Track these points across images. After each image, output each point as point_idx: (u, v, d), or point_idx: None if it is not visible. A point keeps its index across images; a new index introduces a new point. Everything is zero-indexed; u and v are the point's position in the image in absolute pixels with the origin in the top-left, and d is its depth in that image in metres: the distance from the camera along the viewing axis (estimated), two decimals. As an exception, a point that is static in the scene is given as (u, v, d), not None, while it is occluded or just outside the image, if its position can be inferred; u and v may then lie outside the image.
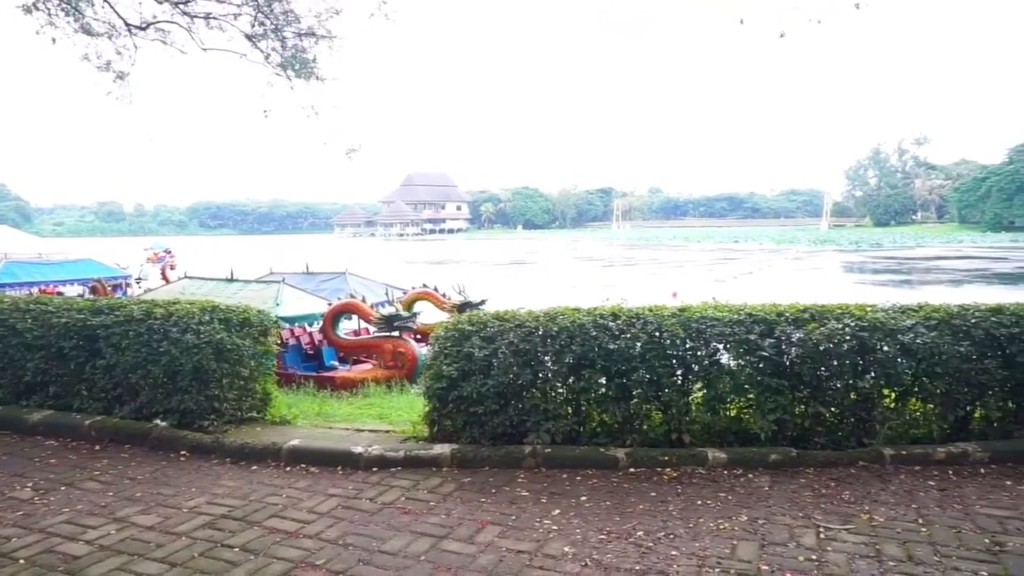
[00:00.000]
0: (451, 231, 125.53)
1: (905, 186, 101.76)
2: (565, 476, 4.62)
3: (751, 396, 4.89)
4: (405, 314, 12.04)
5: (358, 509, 4.15)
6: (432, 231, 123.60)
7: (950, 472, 4.54)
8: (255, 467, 4.97)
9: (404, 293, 14.07)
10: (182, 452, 5.27)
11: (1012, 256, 47.12)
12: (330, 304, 12.23)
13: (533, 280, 35.40)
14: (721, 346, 4.89)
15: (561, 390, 5.07)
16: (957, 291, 27.72)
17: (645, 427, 4.99)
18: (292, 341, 12.63)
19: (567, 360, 4.89)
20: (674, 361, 4.91)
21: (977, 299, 5.37)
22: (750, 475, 4.55)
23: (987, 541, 3.54)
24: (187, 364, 5.42)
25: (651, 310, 5.08)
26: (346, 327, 13.47)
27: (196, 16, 8.08)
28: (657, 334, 4.85)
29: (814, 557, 3.41)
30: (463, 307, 11.69)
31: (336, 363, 12.64)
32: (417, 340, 11.86)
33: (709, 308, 5.09)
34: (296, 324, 12.59)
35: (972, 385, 4.81)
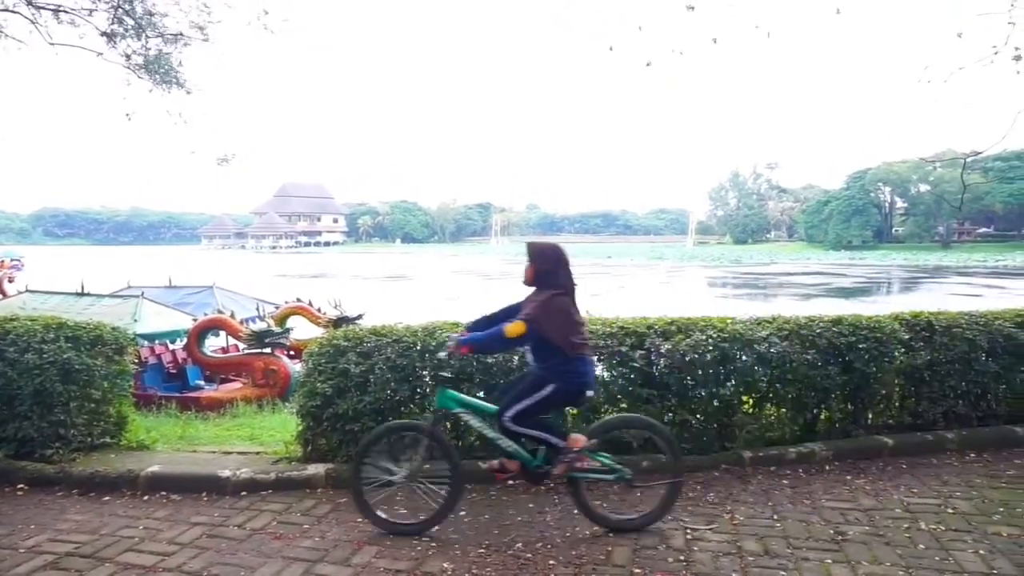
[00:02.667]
0: (327, 244, 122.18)
1: (760, 207, 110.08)
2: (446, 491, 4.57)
3: (624, 406, 5.06)
4: (277, 329, 11.57)
5: (225, 537, 3.91)
6: (307, 244, 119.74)
7: (800, 471, 4.91)
8: (107, 498, 4.57)
9: (276, 308, 13.52)
10: (19, 486, 4.76)
11: (850, 272, 52.07)
12: (195, 320, 11.53)
13: (412, 294, 35.08)
14: (595, 358, 5.03)
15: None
16: (806, 304, 30.23)
17: (523, 439, 5.04)
18: (152, 360, 11.80)
19: (446, 375, 4.86)
20: (551, 373, 5.00)
21: (822, 311, 5.86)
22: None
23: (831, 532, 3.85)
24: (27, 387, 4.92)
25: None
26: (213, 344, 12.75)
27: (43, 7, 7.41)
28: (534, 347, 4.92)
29: (682, 558, 3.57)
30: (339, 322, 11.38)
31: (201, 382, 11.92)
32: (290, 356, 11.42)
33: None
34: (157, 341, 11.77)
35: (818, 390, 5.24)
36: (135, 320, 10.44)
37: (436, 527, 3.97)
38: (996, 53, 5.22)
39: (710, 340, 5.02)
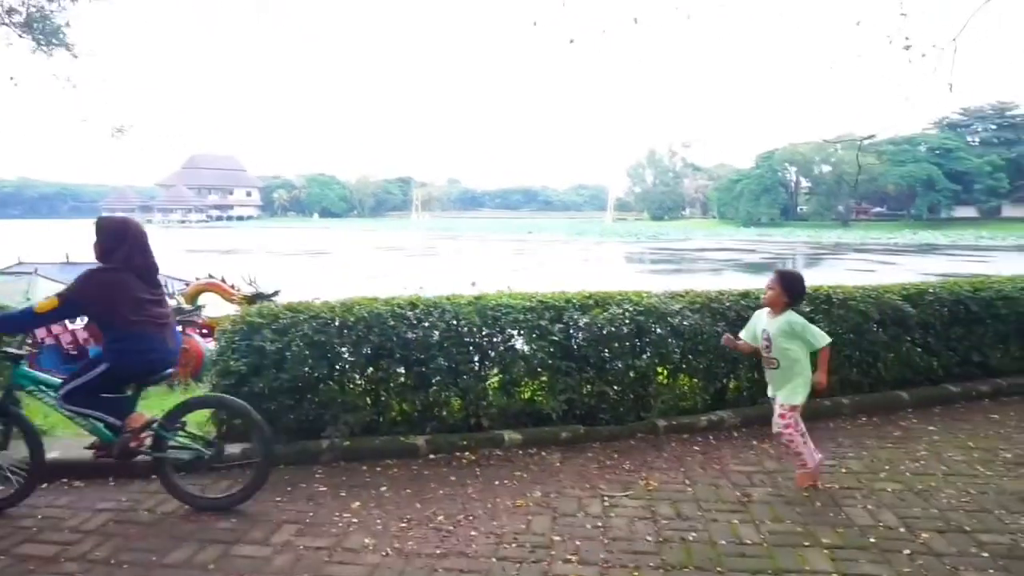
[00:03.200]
0: (240, 218, 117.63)
1: (676, 185, 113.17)
2: (365, 468, 4.56)
3: (544, 379, 5.16)
4: (188, 307, 11.10)
5: (134, 522, 3.77)
6: (219, 218, 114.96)
7: (711, 437, 5.15)
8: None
9: (187, 284, 12.96)
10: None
11: (759, 248, 54.41)
12: (96, 298, 10.90)
13: (331, 270, 34.33)
14: (515, 332, 5.10)
15: (359, 381, 4.99)
16: (718, 278, 31.46)
17: (444, 413, 5.08)
18: (49, 340, 11.10)
19: (365, 351, 4.82)
20: (471, 348, 5.04)
21: (733, 285, 6.13)
22: (543, 453, 4.81)
23: (738, 494, 4.07)
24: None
25: (448, 299, 5.17)
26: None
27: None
28: (455, 322, 4.94)
29: (600, 524, 3.70)
30: (254, 299, 11.01)
31: (105, 363, 11.30)
32: (203, 335, 10.99)
33: (504, 296, 5.29)
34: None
35: (727, 360, 5.49)
36: (28, 299, 9.79)
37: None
38: (891, 43, 5.53)
39: (626, 314, 5.17)
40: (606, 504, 3.96)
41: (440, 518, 3.79)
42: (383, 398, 5.04)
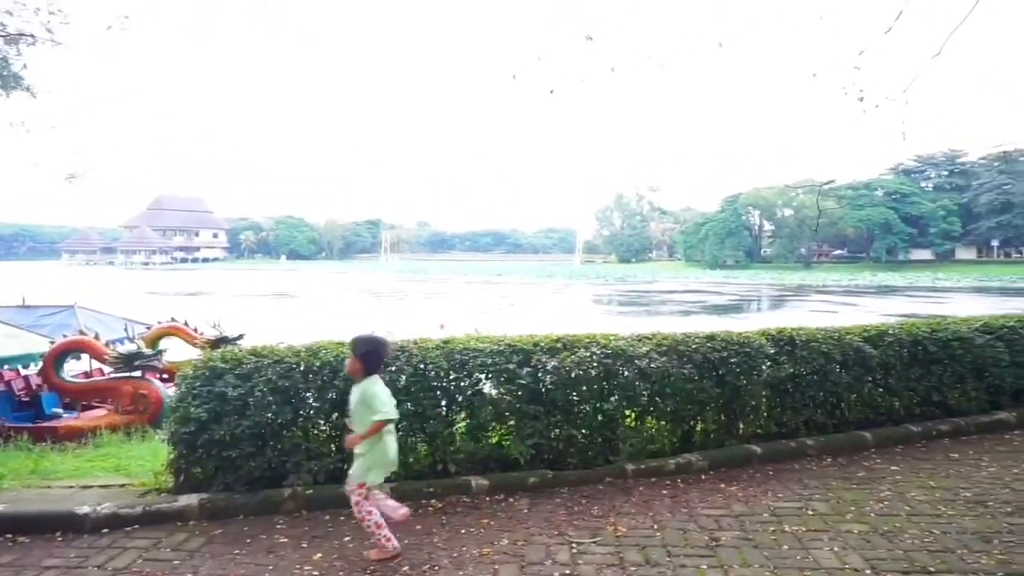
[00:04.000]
0: (206, 260, 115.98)
1: (643, 228, 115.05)
2: (328, 517, 4.44)
3: (511, 423, 5.12)
4: (148, 352, 10.84)
5: (82, 579, 3.60)
6: (184, 260, 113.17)
7: (679, 480, 5.13)
8: (-58, 543, 4.09)
9: (148, 328, 12.68)
10: None
11: (724, 290, 55.23)
12: (52, 342, 10.60)
13: (298, 313, 33.91)
14: (483, 376, 5.07)
15: (324, 427, 4.89)
16: (685, 320, 31.76)
17: (411, 459, 4.98)
18: (0, 387, 10.74)
19: (330, 396, 4.74)
20: (438, 392, 4.99)
21: (700, 327, 6.20)
22: (511, 499, 4.74)
23: (707, 538, 4.05)
24: None
25: (416, 343, 5.13)
26: (74, 368, 11.78)
27: None
28: (422, 366, 4.90)
29: (568, 572, 3.64)
30: (217, 343, 10.82)
31: (60, 410, 10.95)
32: (164, 380, 10.73)
33: (472, 339, 5.27)
34: (6, 367, 10.73)
35: (694, 403, 5.51)
36: (-20, 343, 9.48)
37: None
38: (846, 94, 5.75)
39: (594, 357, 5.18)
40: (574, 551, 3.90)
41: (405, 568, 3.70)
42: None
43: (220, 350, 5.17)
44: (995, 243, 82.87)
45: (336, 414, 4.82)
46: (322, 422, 4.88)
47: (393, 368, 4.85)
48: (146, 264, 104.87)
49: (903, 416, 6.29)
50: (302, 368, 4.75)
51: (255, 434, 4.59)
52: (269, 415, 4.62)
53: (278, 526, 4.31)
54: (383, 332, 5.40)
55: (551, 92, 5.94)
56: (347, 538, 4.11)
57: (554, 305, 40.42)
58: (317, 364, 4.75)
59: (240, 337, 11.47)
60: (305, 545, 4.02)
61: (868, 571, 3.58)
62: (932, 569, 3.58)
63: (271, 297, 45.99)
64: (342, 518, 4.42)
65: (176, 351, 12.01)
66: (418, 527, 4.28)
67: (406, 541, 4.06)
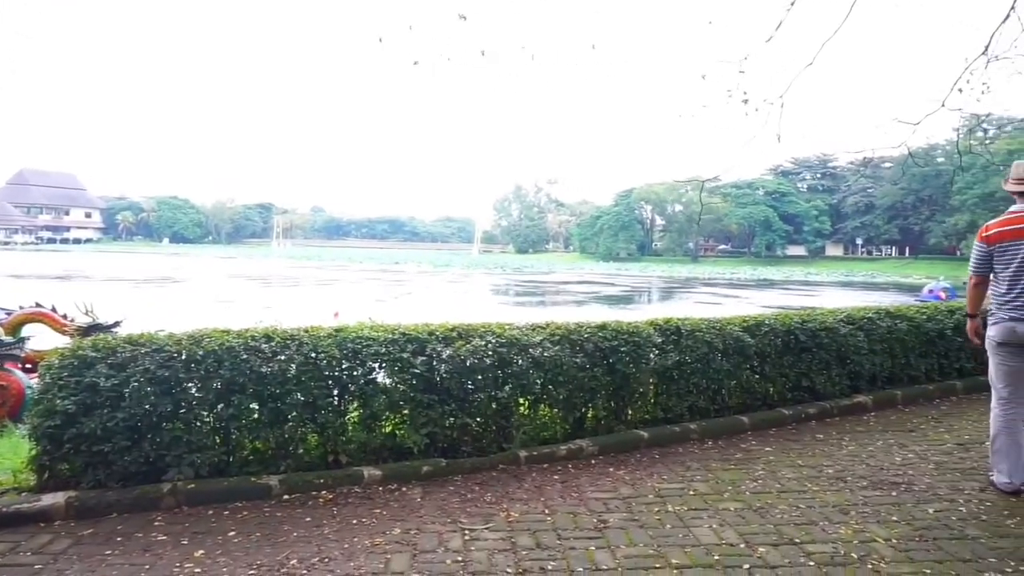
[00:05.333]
0: (78, 241, 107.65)
1: (541, 219, 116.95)
2: (211, 512, 4.25)
3: (405, 412, 5.08)
4: (8, 339, 9.95)
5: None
6: (52, 240, 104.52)
7: (570, 466, 5.27)
8: None
9: (8, 314, 11.63)
10: None
11: (617, 282, 57.05)
12: None
13: (181, 299, 32.12)
14: (376, 365, 5.00)
15: (208, 418, 4.67)
16: (579, 310, 32.54)
17: (301, 451, 4.86)
18: None
19: (215, 386, 4.53)
20: (330, 382, 4.88)
21: (593, 317, 6.37)
22: (404, 489, 4.72)
23: (595, 520, 4.18)
24: None
25: (307, 331, 4.99)
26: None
27: None
28: (313, 355, 4.77)
29: (460, 559, 3.66)
30: (90, 330, 10.06)
31: (-101, 405, 9.87)
32: (25, 370, 9.88)
33: (365, 328, 5.19)
34: None
35: (586, 390, 5.67)
36: None
37: None
38: (730, 96, 6.07)
39: (489, 346, 5.22)
40: (467, 538, 3.93)
41: (293, 562, 3.60)
42: (234, 436, 4.74)
43: (92, 338, 4.82)
44: (859, 241, 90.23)
45: (221, 404, 4.63)
46: (206, 413, 4.66)
47: (283, 357, 4.70)
48: (6, 244, 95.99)
49: (776, 400, 6.73)
50: (184, 357, 4.51)
51: (131, 427, 4.32)
52: (147, 407, 4.36)
53: (156, 523, 4.09)
54: (274, 319, 5.22)
55: (415, 63, 5.85)
56: (232, 533, 3.95)
57: (452, 294, 40.37)
58: (200, 353, 4.52)
59: (116, 324, 10.71)
60: (186, 542, 3.83)
61: (742, 545, 3.82)
62: (798, 540, 3.87)
63: (152, 282, 43.31)
64: (227, 512, 4.25)
65: (42, 339, 11.09)
66: (307, 519, 4.18)
67: (295, 534, 3.96)
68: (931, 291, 34.58)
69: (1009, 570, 3.50)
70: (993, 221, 4.72)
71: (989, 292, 4.87)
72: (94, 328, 10.33)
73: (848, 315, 7.41)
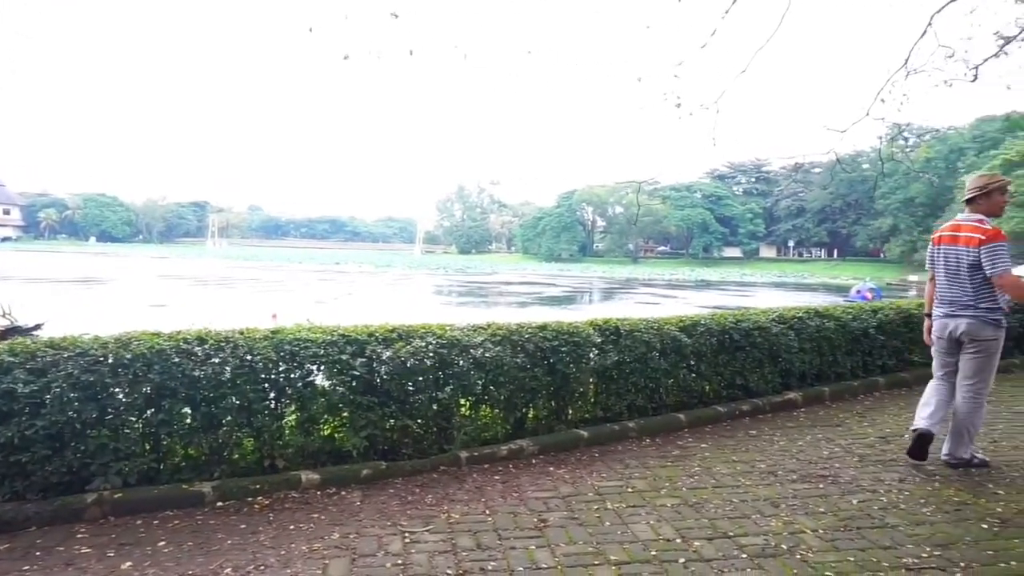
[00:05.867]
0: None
1: (483, 220, 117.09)
2: (140, 522, 4.10)
3: (345, 415, 5.01)
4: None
5: None
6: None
7: (511, 466, 5.29)
8: None
9: (-84, 317, 10.94)
10: None
11: (559, 282, 57.52)
12: None
13: (110, 301, 30.83)
14: (315, 367, 4.92)
15: (137, 425, 4.50)
16: (522, 311, 32.67)
17: (236, 456, 4.74)
18: None
19: (144, 391, 4.37)
20: (267, 385, 4.77)
21: (535, 317, 6.41)
22: (343, 492, 4.65)
23: (536, 520, 4.21)
24: None
25: (242, 333, 4.86)
26: None
27: None
28: (248, 358, 4.65)
29: (400, 562, 3.63)
30: (7, 333, 9.56)
31: None
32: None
33: (303, 330, 5.09)
34: None
35: (527, 390, 5.71)
36: None
37: None
38: (666, 99, 6.20)
39: (430, 346, 5.20)
40: (407, 541, 3.90)
41: (227, 571, 3.50)
42: (165, 442, 4.59)
43: (8, 341, 4.58)
44: (791, 243, 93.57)
45: (151, 410, 4.47)
46: (134, 419, 4.49)
47: (217, 360, 4.57)
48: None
49: (712, 398, 6.91)
50: (111, 361, 4.33)
51: (52, 435, 4.13)
52: (70, 413, 4.17)
53: (79, 536, 3.91)
54: (208, 321, 5.07)
55: (345, 58, 5.81)
56: (162, 543, 3.82)
57: (393, 295, 39.97)
58: (128, 357, 4.35)
59: (37, 327, 10.23)
60: (112, 554, 3.68)
61: (679, 540, 3.91)
62: (731, 533, 3.98)
63: (76, 283, 41.42)
64: (156, 522, 4.11)
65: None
66: (242, 526, 4.08)
67: (229, 542, 3.86)
68: (859, 291, 36.11)
69: (925, 555, 3.69)
70: (944, 225, 5.26)
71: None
72: (12, 331, 9.82)
73: (780, 315, 7.67)
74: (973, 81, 6.43)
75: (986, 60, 6.43)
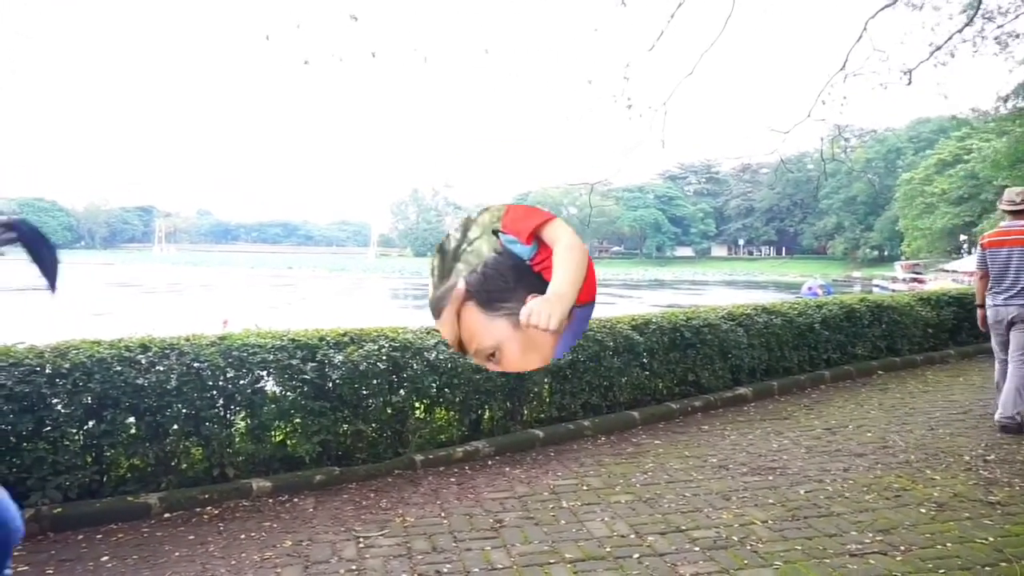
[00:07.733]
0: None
1: (438, 222, 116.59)
2: (82, 537, 3.96)
3: (296, 421, 4.93)
4: None
5: None
6: None
7: (467, 468, 5.28)
8: None
9: None
10: None
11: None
12: None
13: (48, 310, 29.69)
14: (265, 373, 4.82)
15: (77, 437, 4.34)
16: (478, 313, 32.60)
17: (184, 466, 4.62)
18: None
19: (84, 401, 4.22)
20: (215, 392, 4.65)
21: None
22: (295, 499, 4.57)
23: (492, 520, 4.21)
24: None
25: (188, 339, 4.73)
26: None
27: None
28: (195, 365, 4.54)
29: (354, 567, 3.59)
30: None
31: None
32: None
33: (252, 335, 4.99)
34: None
35: (482, 392, 5.70)
36: None
37: None
38: (616, 101, 6.28)
39: (383, 350, 5.15)
40: (361, 546, 3.86)
41: (175, 584, 3.41)
42: (108, 454, 4.44)
43: (-63, 353, 4.38)
44: (741, 242, 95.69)
45: (92, 421, 4.32)
46: (74, 431, 4.33)
47: (162, 368, 4.44)
48: None
49: (665, 395, 7.01)
50: (48, 371, 4.17)
51: (-15, 450, 3.96)
52: (4, 426, 4.01)
53: (16, 553, 3.74)
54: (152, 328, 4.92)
55: (305, 63, 5.77)
56: (105, 558, 3.70)
57: (347, 299, 39.50)
58: (67, 366, 4.20)
59: (-31, 339, 9.79)
60: (51, 571, 3.55)
61: (633, 536, 3.95)
62: (684, 527, 4.05)
63: (13, 292, 39.78)
64: (99, 536, 3.98)
65: None
66: (191, 537, 3.98)
67: (176, 554, 3.76)
68: (810, 288, 37.14)
69: (868, 540, 3.81)
70: (989, 232, 6.18)
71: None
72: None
73: (729, 312, 7.83)
74: (908, 85, 6.69)
75: (920, 64, 6.69)
